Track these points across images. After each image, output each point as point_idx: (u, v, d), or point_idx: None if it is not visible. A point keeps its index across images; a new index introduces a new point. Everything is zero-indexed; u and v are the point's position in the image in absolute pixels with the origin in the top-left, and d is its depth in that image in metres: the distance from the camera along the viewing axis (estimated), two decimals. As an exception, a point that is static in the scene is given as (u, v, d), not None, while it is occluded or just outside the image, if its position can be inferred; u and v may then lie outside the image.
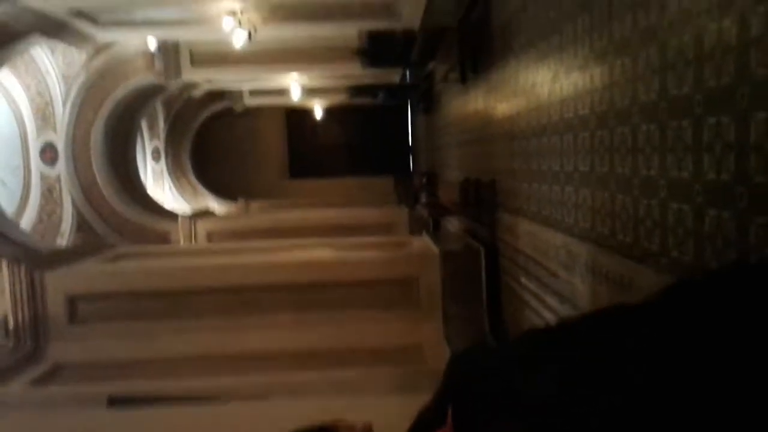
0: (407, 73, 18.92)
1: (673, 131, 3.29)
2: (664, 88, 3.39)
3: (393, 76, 19.25)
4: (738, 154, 2.76)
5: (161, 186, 23.38)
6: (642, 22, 3.66)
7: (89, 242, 15.19)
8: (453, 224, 11.41)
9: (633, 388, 1.31)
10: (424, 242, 11.65)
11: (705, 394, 1.27)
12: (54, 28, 11.47)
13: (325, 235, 14.10)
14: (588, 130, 4.60)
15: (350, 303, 10.00)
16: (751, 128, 2.67)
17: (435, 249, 10.71)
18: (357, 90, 22.58)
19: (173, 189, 24.08)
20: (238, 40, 11.96)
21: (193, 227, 17.32)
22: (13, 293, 9.90)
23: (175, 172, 24.34)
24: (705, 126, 2.98)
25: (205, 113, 24.93)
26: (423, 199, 16.43)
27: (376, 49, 15.20)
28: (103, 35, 13.03)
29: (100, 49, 14.64)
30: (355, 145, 27.99)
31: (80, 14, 11.53)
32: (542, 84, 5.76)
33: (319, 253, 11.21)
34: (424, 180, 17.19)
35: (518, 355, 1.56)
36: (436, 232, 12.86)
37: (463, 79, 9.76)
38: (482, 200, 8.34)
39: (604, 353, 1.40)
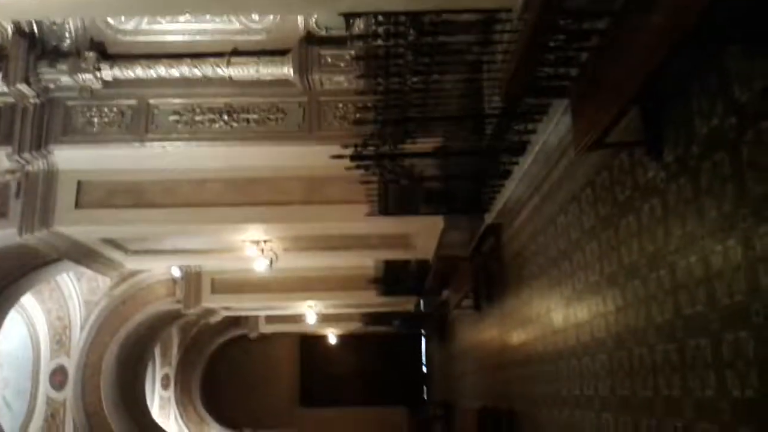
0: (422, 301, 19.22)
1: (692, 349, 3.30)
2: (677, 308, 3.46)
3: (407, 304, 19.51)
4: (761, 369, 2.75)
5: (167, 414, 22.67)
6: (648, 247, 3.84)
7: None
8: (471, 458, 10.81)
9: None
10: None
11: None
12: (84, 256, 11.92)
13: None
14: (605, 352, 4.59)
15: None
16: (769, 343, 2.69)
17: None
18: (372, 318, 22.79)
19: (179, 419, 23.32)
20: (260, 267, 12.45)
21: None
22: None
23: (183, 400, 23.77)
24: (724, 343, 3.00)
25: (220, 339, 24.97)
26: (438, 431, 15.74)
27: (392, 278, 15.64)
28: (131, 263, 13.53)
29: (126, 276, 15.13)
30: (368, 373, 27.48)
31: (110, 243, 12.09)
32: (556, 309, 5.86)
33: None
34: (439, 410, 16.62)
35: None
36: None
37: (477, 307, 9.92)
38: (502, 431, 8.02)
39: None
